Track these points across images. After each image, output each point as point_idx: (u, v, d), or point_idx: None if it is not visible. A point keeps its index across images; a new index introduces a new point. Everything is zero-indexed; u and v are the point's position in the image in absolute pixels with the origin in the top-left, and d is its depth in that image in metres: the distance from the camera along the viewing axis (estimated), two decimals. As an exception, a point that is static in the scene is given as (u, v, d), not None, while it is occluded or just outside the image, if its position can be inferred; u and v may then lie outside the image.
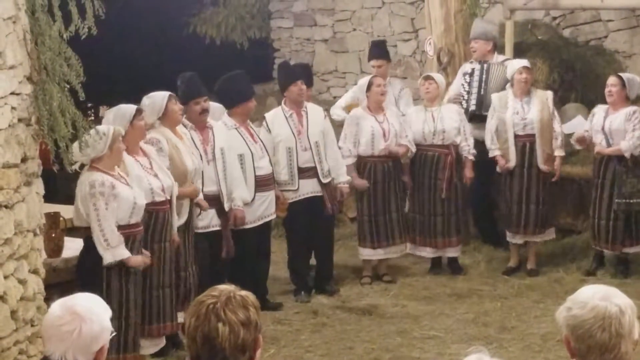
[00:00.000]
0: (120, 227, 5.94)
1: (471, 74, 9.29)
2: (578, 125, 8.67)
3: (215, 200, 7.28)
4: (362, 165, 8.53)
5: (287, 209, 8.06)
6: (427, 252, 8.83)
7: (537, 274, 8.62)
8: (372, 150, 8.48)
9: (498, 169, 8.68)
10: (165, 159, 6.66)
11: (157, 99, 6.79)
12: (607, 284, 3.05)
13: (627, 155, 8.16)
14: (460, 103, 9.23)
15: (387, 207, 8.52)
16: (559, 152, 8.57)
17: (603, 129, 8.28)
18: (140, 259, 6.08)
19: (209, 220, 7.27)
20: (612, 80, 8.35)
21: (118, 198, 5.90)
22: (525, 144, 8.55)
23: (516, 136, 8.56)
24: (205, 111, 7.28)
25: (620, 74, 8.52)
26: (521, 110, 8.54)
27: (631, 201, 8.20)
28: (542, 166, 8.55)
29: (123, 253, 5.94)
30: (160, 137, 6.73)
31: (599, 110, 8.46)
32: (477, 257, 9.14)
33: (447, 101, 9.10)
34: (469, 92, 9.26)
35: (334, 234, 8.78)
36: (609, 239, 8.37)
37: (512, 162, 8.57)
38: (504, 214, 8.81)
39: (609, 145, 8.26)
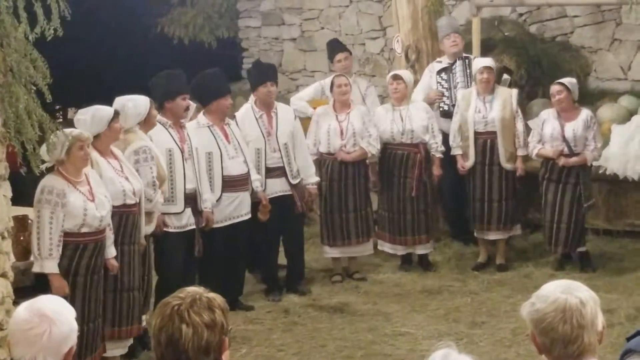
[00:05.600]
0: (70, 235, 5.85)
1: (447, 71, 9.28)
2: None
3: (191, 199, 7.27)
4: (321, 162, 8.55)
5: (269, 212, 8.00)
6: (397, 250, 8.86)
7: (507, 269, 8.68)
8: (329, 148, 8.51)
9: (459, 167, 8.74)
10: (154, 169, 6.66)
11: (141, 104, 6.76)
12: (576, 279, 3.09)
13: (588, 164, 8.35)
14: (443, 101, 9.24)
15: (343, 206, 8.53)
16: (521, 152, 8.59)
17: (565, 137, 8.27)
18: (61, 286, 5.79)
19: (186, 219, 7.24)
20: (557, 87, 8.29)
21: (67, 207, 5.80)
22: (486, 141, 8.61)
23: (477, 134, 8.62)
24: (188, 108, 7.32)
25: (561, 80, 8.41)
26: (483, 109, 8.59)
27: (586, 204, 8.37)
28: (506, 165, 8.59)
29: (51, 267, 5.80)
30: (149, 144, 6.72)
31: (549, 117, 8.39)
32: (448, 254, 9.18)
33: (423, 99, 9.09)
34: (449, 89, 9.26)
35: (304, 233, 8.78)
36: (569, 241, 8.41)
37: (471, 161, 8.64)
38: (470, 210, 8.85)
39: (571, 152, 8.28)
